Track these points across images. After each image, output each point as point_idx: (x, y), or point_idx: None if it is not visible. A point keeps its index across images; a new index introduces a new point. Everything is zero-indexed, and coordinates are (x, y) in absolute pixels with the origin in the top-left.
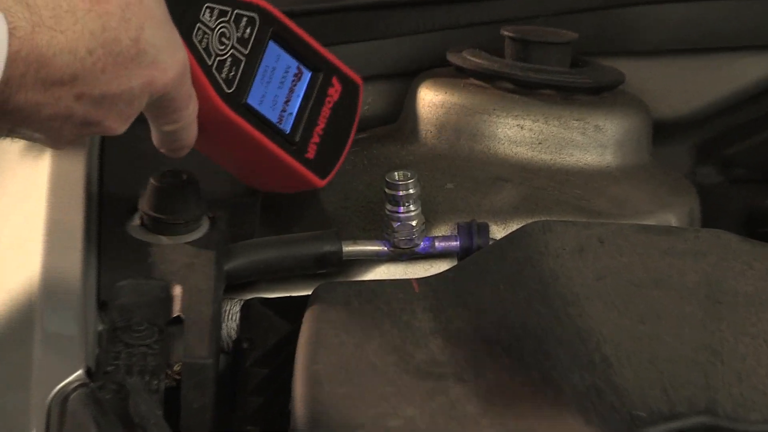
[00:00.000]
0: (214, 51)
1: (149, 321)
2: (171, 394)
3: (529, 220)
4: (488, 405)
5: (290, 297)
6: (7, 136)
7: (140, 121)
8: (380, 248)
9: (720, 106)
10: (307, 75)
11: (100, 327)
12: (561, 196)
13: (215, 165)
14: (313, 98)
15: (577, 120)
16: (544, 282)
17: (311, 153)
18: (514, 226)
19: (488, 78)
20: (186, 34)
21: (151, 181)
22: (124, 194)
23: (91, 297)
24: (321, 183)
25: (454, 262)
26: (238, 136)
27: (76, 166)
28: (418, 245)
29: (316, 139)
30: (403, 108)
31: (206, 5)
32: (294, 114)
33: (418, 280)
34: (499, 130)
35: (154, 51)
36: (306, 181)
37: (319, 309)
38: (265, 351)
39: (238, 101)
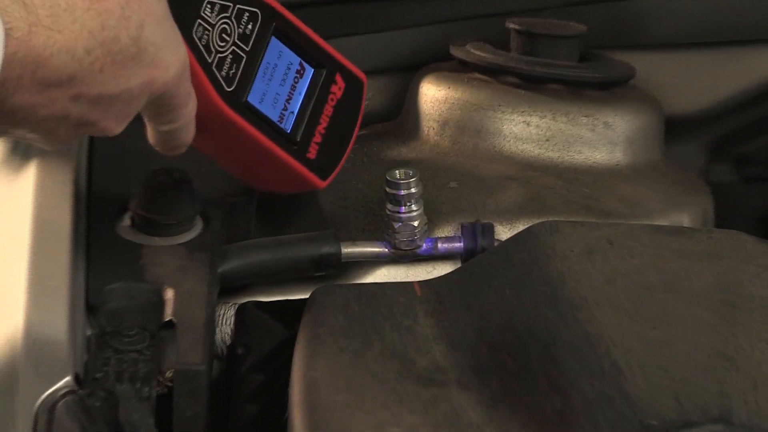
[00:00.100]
0: (214, 48)
1: (140, 326)
2: (163, 401)
3: (536, 221)
4: (493, 413)
5: (287, 300)
6: (0, 136)
7: (132, 119)
8: (380, 250)
9: (734, 102)
10: (309, 72)
11: (89, 332)
12: (569, 195)
13: (209, 163)
14: (316, 96)
15: (585, 116)
16: (552, 285)
17: (312, 153)
18: (520, 227)
19: (493, 72)
20: (186, 31)
21: (143, 179)
22: (113, 193)
23: (80, 301)
24: (322, 184)
25: (458, 264)
26: (237, 136)
27: (64, 164)
28: (420, 247)
29: (317, 138)
30: (405, 103)
31: (207, 1)
32: (295, 112)
33: (420, 283)
34: (505, 126)
35: (154, 49)
36: (307, 182)
37: (316, 313)
38: (260, 357)
39: (238, 100)
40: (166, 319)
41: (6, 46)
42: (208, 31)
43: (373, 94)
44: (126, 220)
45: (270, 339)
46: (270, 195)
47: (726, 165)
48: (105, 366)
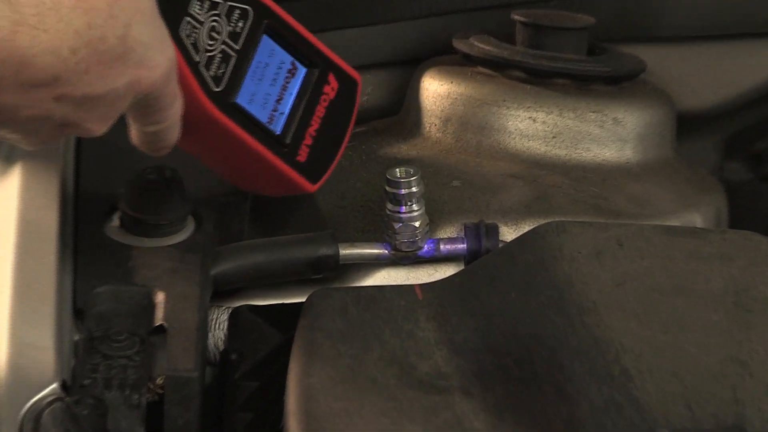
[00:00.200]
0: (202, 46)
1: (129, 330)
2: (153, 409)
3: (542, 221)
4: (497, 421)
5: (282, 304)
6: None
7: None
8: (380, 251)
9: (750, 97)
10: (302, 71)
11: (77, 337)
12: (577, 194)
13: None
14: (307, 96)
15: (594, 112)
16: (559, 288)
17: (303, 156)
18: (525, 228)
19: (498, 66)
20: (172, 29)
21: (132, 178)
22: (102, 193)
23: (67, 304)
24: (312, 188)
25: (461, 267)
26: (224, 137)
27: (50, 163)
28: (421, 248)
29: (308, 141)
30: (405, 99)
31: None
32: (286, 114)
33: (421, 285)
34: (510, 123)
35: (141, 49)
36: (296, 185)
37: (313, 317)
38: (255, 363)
39: (226, 100)
40: (157, 324)
41: None
42: (197, 29)
43: (373, 89)
44: (115, 221)
45: (265, 344)
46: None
47: (740, 162)
48: (93, 372)
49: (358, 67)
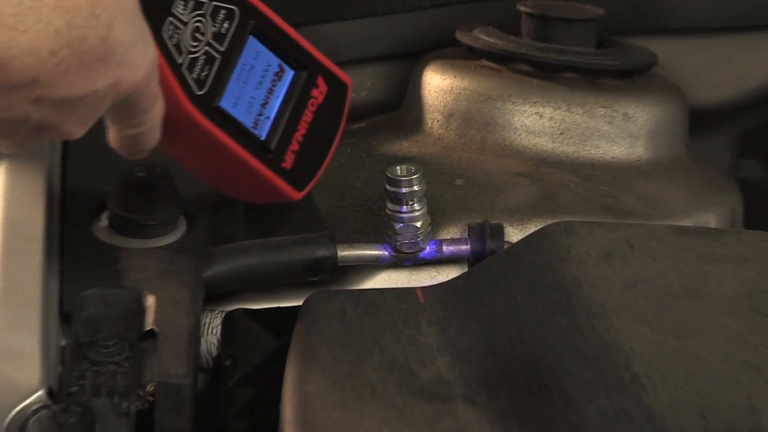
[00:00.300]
0: (185, 48)
1: (119, 335)
2: (143, 417)
3: (549, 221)
4: (502, 430)
5: (278, 308)
6: None
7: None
8: (380, 253)
9: (766, 91)
10: (289, 74)
11: (63, 342)
12: (585, 193)
13: None
14: (295, 100)
15: (603, 107)
16: (566, 291)
17: (288, 162)
18: (531, 228)
19: (503, 60)
20: (154, 30)
21: (121, 176)
22: (89, 191)
23: (53, 308)
24: (297, 195)
25: (464, 269)
26: (206, 142)
27: (36, 160)
28: (423, 249)
29: (294, 146)
30: (406, 94)
31: None
32: (272, 118)
33: (423, 288)
34: (516, 118)
35: (122, 49)
36: (280, 193)
37: (310, 322)
38: (249, 369)
39: (209, 104)
40: (147, 328)
41: None
42: (180, 29)
43: (372, 84)
44: (103, 221)
45: (259, 350)
46: None
47: (756, 160)
48: (81, 379)
49: (357, 61)
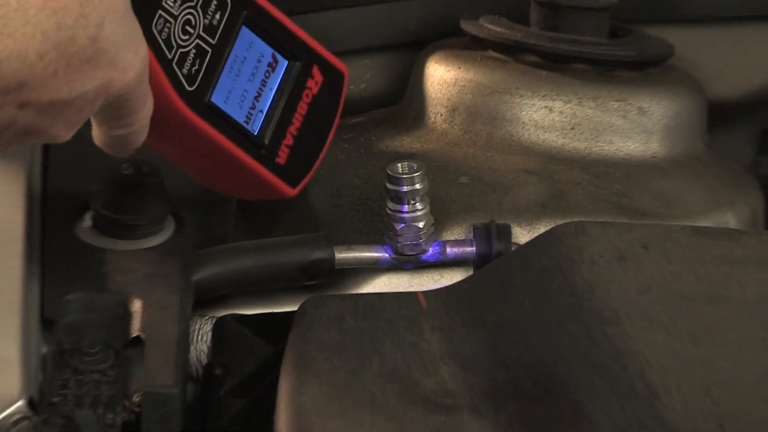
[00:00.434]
0: (176, 42)
1: (103, 342)
2: (129, 429)
3: (559, 221)
4: None
5: (272, 313)
6: None
7: None
8: (380, 255)
9: None
10: (283, 64)
11: (45, 349)
12: (597, 192)
13: None
14: (289, 92)
15: (617, 101)
16: (577, 296)
17: (282, 158)
18: (541, 229)
19: (510, 50)
20: (145, 25)
21: (106, 174)
22: (72, 190)
23: (34, 313)
24: (291, 192)
25: (469, 272)
26: (197, 139)
27: (16, 158)
28: (425, 251)
29: (288, 140)
30: (408, 86)
31: None
32: (265, 111)
33: (425, 293)
34: (524, 112)
35: (113, 49)
36: (274, 190)
37: (306, 328)
38: (241, 378)
39: (200, 100)
40: (133, 335)
41: None
42: (170, 23)
43: (372, 75)
44: (87, 221)
45: (252, 358)
46: None
47: None
48: (63, 389)
49: (355, 51)
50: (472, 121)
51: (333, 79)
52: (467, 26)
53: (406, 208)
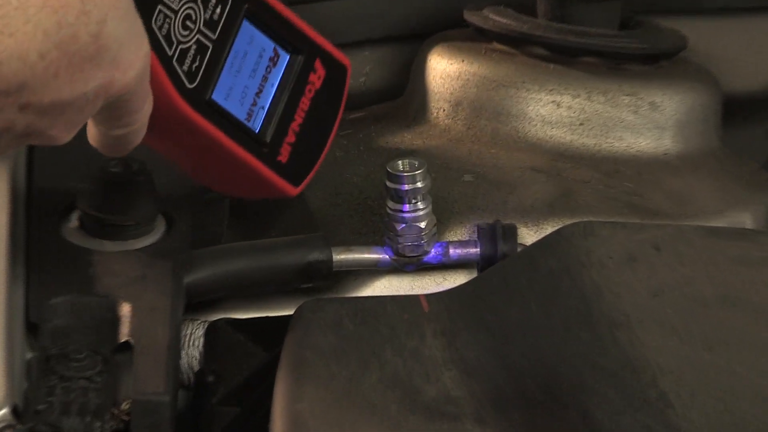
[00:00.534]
0: (176, 38)
1: (91, 348)
2: None
3: (567, 221)
4: None
5: (267, 318)
6: None
7: None
8: (380, 256)
9: None
10: (284, 58)
11: (30, 355)
12: (607, 190)
13: None
14: (291, 87)
15: (627, 95)
16: (586, 299)
17: (284, 156)
18: (548, 229)
19: (516, 42)
20: (145, 21)
21: (93, 172)
22: (58, 189)
23: (18, 318)
24: (294, 191)
25: (473, 274)
26: (197, 138)
27: None
28: (427, 252)
29: (291, 138)
30: (409, 80)
31: None
32: (266, 108)
33: (427, 296)
34: (530, 107)
35: (116, 47)
36: (276, 189)
37: (303, 332)
38: (235, 385)
39: (200, 98)
40: (122, 340)
41: None
42: (170, 18)
43: (372, 69)
44: (73, 221)
45: (246, 364)
46: None
47: None
48: (49, 396)
49: (355, 44)
50: (477, 116)
51: (336, 72)
52: (471, 17)
53: (407, 207)
